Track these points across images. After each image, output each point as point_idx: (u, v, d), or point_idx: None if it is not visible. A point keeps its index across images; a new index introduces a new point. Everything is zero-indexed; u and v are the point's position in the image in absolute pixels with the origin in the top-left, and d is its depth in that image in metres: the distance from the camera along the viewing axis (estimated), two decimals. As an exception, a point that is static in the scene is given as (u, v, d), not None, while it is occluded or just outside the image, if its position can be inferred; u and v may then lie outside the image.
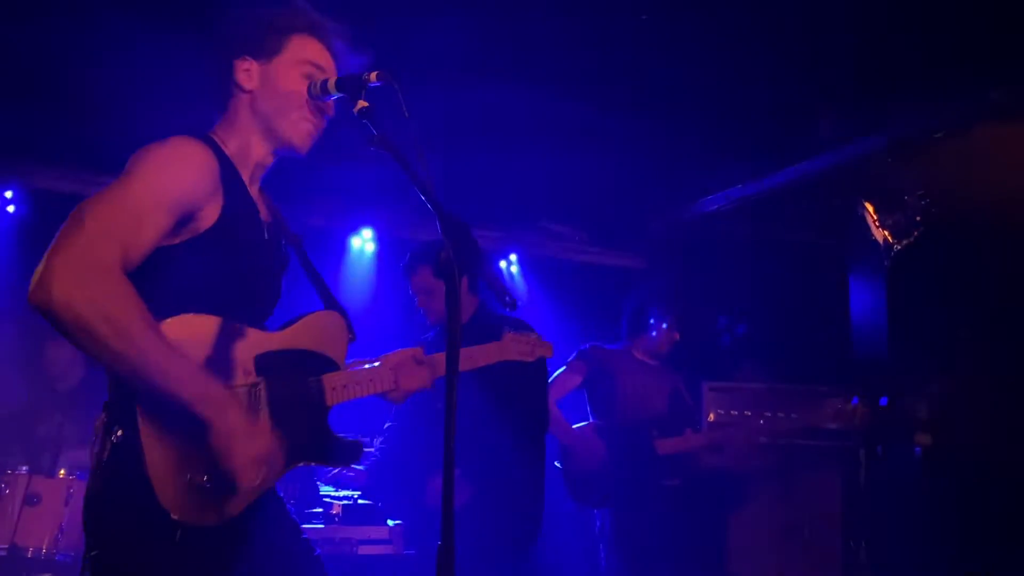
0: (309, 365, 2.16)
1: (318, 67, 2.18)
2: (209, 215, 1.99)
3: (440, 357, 2.41)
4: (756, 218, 6.44)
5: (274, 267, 2.24)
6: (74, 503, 4.27)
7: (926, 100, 4.83)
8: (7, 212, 5.46)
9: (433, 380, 2.46)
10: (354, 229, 6.25)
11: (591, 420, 4.98)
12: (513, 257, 6.81)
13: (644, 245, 7.02)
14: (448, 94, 4.71)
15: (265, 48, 2.15)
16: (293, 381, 2.10)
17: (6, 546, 4.17)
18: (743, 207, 6.26)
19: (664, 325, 4.98)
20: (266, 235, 2.19)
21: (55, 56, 4.25)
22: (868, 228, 5.55)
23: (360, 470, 4.46)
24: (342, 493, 4.38)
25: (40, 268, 1.71)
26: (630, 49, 4.53)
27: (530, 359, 2.92)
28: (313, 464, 2.21)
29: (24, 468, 4.38)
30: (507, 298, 1.94)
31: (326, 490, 4.45)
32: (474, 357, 2.71)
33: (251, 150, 2.17)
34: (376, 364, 2.37)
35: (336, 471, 4.40)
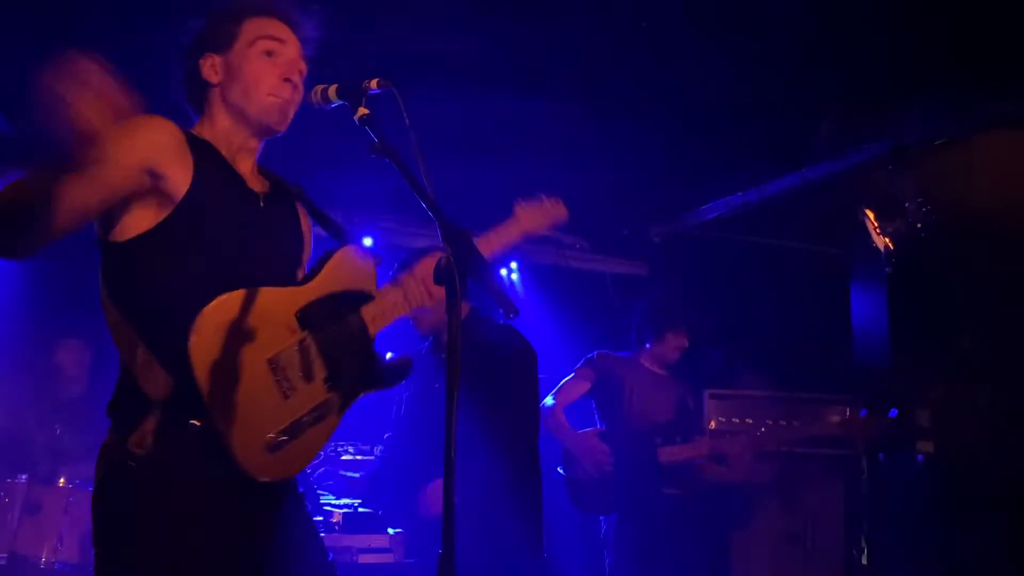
0: (346, 304, 2.21)
1: (274, 39, 2.19)
2: (179, 179, 1.99)
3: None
4: (756, 225, 6.44)
5: (277, 231, 2.24)
6: (74, 512, 4.26)
7: (926, 107, 4.83)
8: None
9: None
10: (355, 237, 6.24)
11: (598, 426, 4.96)
12: (514, 265, 6.80)
13: (645, 252, 7.02)
14: (448, 102, 4.72)
15: (222, 40, 2.18)
16: (336, 324, 2.15)
17: (5, 555, 4.17)
18: (743, 214, 6.26)
19: (673, 333, 4.96)
20: (261, 204, 2.19)
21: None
22: (869, 235, 5.54)
23: (357, 477, 4.45)
24: (342, 501, 4.36)
25: None
26: (630, 56, 4.54)
27: (544, 228, 2.87)
28: (370, 392, 2.27)
29: (23, 477, 4.37)
30: (509, 306, 1.93)
31: (326, 498, 4.43)
32: (491, 240, 2.68)
33: (231, 137, 2.19)
34: (403, 282, 2.38)
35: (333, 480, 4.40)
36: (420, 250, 3.88)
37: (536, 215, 2.85)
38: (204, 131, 2.19)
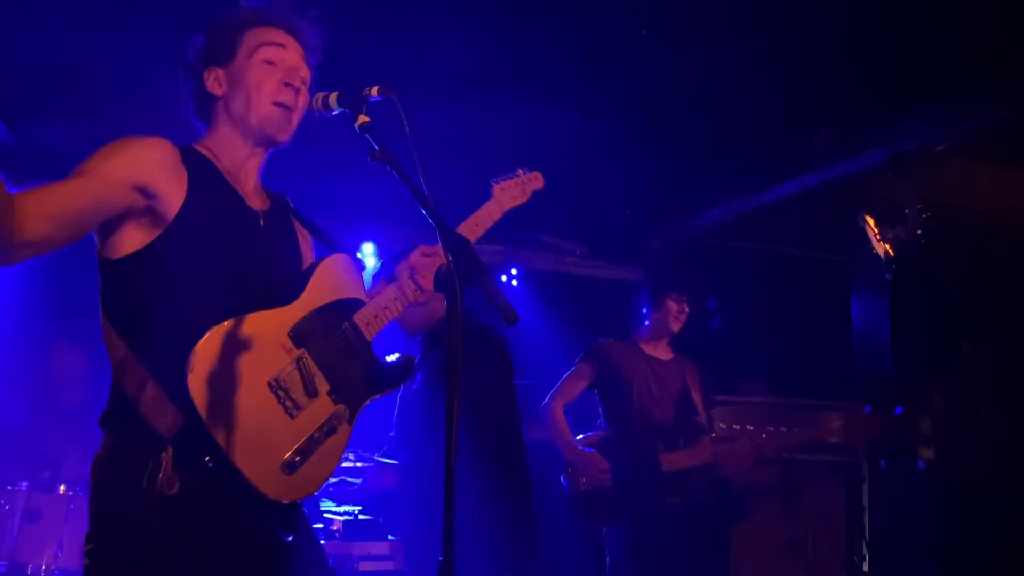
0: (337, 314, 2.21)
1: (275, 45, 2.20)
2: (171, 198, 1.99)
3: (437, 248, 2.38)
4: (757, 232, 6.45)
5: (277, 249, 2.23)
6: (74, 519, 4.25)
7: (926, 114, 4.84)
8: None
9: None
10: (355, 245, 6.26)
11: (601, 425, 4.95)
12: (514, 271, 6.81)
13: (644, 258, 7.03)
14: (449, 108, 4.72)
15: (224, 52, 2.19)
16: (330, 336, 2.16)
17: (5, 562, 4.16)
18: (743, 220, 6.26)
19: (674, 299, 4.91)
20: (261, 221, 2.19)
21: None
22: (869, 242, 5.55)
23: (357, 484, 4.45)
24: (343, 508, 4.36)
25: None
26: (630, 64, 4.55)
27: (524, 199, 2.87)
28: (378, 396, 2.28)
29: (24, 484, 4.37)
30: (508, 313, 1.93)
31: (327, 505, 4.43)
32: (476, 224, 2.69)
33: (235, 150, 2.19)
34: (393, 281, 2.39)
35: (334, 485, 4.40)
36: (404, 250, 3.86)
37: (514, 190, 2.85)
38: (209, 144, 2.19)
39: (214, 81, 2.19)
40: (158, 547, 1.90)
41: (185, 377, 1.84)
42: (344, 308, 2.22)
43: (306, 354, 2.07)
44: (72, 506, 4.28)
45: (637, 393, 4.80)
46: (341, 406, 2.11)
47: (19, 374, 5.14)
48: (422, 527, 3.64)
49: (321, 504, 4.42)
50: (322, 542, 4.05)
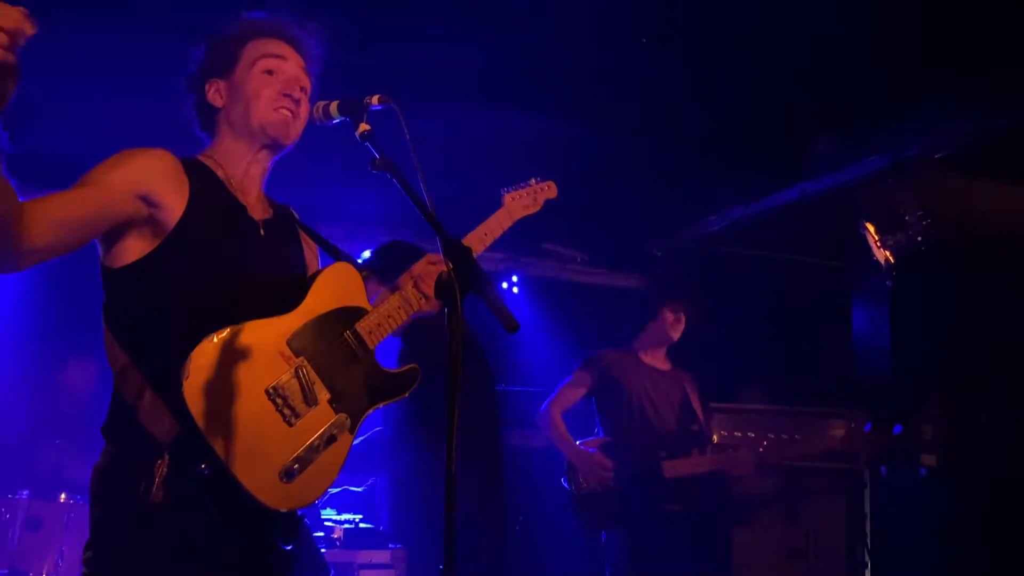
0: (339, 322, 2.20)
1: (275, 56, 2.21)
2: (172, 208, 2.00)
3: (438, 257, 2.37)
4: (757, 239, 6.45)
5: (278, 258, 2.24)
6: (75, 528, 4.25)
7: (926, 121, 4.84)
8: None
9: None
10: (356, 253, 6.25)
11: (598, 432, 4.94)
12: (515, 278, 6.81)
13: (645, 266, 7.03)
14: (451, 117, 4.74)
15: (225, 64, 2.21)
16: (331, 344, 2.15)
17: (6, 571, 4.15)
18: (744, 228, 6.26)
19: (670, 308, 4.91)
20: (262, 231, 2.19)
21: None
22: (869, 249, 5.55)
23: (359, 491, 4.44)
24: (343, 517, 4.36)
25: None
26: (630, 71, 4.55)
27: (536, 208, 2.85)
28: (380, 406, 2.26)
29: (25, 492, 4.36)
30: (509, 321, 1.93)
31: (327, 513, 4.43)
32: (484, 232, 2.66)
33: (238, 158, 2.20)
34: (398, 290, 2.37)
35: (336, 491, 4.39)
36: (392, 243, 3.84)
37: (525, 199, 2.83)
38: (212, 154, 2.20)
39: (215, 92, 2.21)
40: (155, 556, 1.90)
41: (181, 384, 1.85)
42: (346, 317, 2.22)
43: (305, 362, 2.07)
44: (73, 514, 4.28)
45: (637, 402, 4.80)
46: (342, 415, 2.11)
47: (21, 383, 5.14)
48: (421, 532, 3.64)
49: (322, 512, 4.41)
50: (323, 550, 4.05)
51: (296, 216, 2.39)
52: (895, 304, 5.84)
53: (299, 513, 2.21)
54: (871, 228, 5.54)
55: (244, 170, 2.21)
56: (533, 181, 2.88)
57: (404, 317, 2.33)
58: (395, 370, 2.29)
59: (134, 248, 1.99)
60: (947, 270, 5.51)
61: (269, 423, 1.97)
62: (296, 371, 2.04)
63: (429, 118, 4.28)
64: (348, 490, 4.54)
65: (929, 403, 5.62)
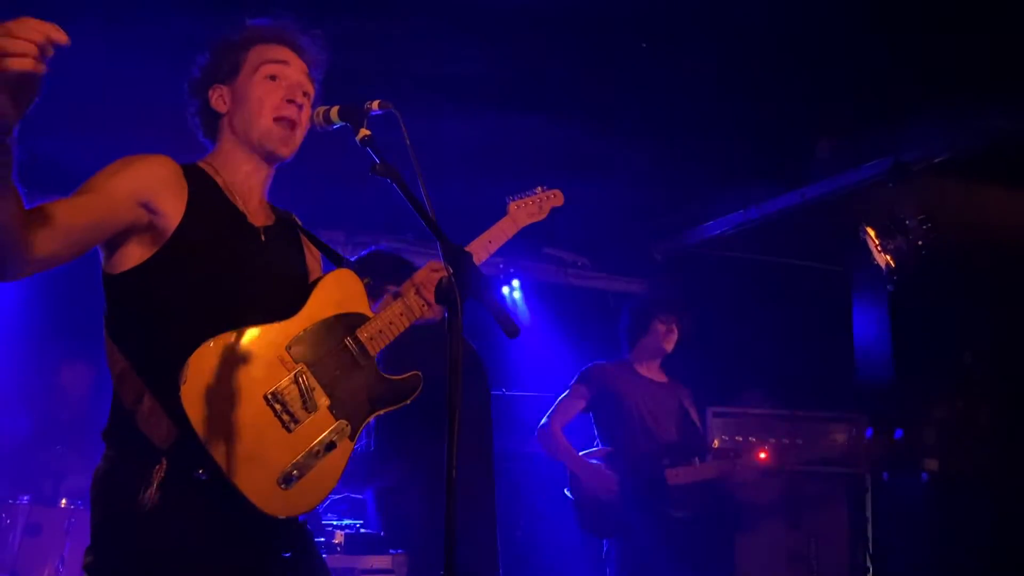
0: (340, 328, 2.19)
1: (278, 62, 2.22)
2: (171, 215, 2.00)
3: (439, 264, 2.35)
4: (758, 243, 6.45)
5: (278, 265, 2.23)
6: (75, 533, 4.24)
7: (927, 125, 4.84)
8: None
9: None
10: (351, 262, 6.25)
11: (598, 443, 4.94)
12: (516, 283, 6.81)
13: (647, 270, 7.03)
14: (453, 122, 4.74)
15: (228, 70, 2.22)
16: (331, 351, 2.14)
17: (6, 577, 4.15)
18: (745, 232, 6.27)
19: (661, 321, 4.90)
20: (262, 237, 2.19)
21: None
22: (870, 253, 5.55)
23: (360, 498, 4.43)
24: (344, 522, 4.35)
25: None
26: (631, 76, 4.56)
27: (542, 216, 2.84)
28: (381, 412, 2.25)
29: (25, 498, 4.36)
30: (509, 326, 1.93)
31: (328, 519, 4.42)
32: (489, 240, 2.67)
33: (239, 166, 2.20)
34: (400, 297, 2.36)
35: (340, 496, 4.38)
36: (375, 258, 3.83)
37: (531, 207, 2.82)
38: (213, 160, 2.20)
39: (218, 98, 2.21)
40: (153, 562, 1.90)
41: (178, 389, 1.84)
42: (347, 323, 2.21)
43: (305, 368, 2.06)
44: (73, 520, 4.27)
45: (637, 413, 4.79)
46: (342, 421, 2.10)
47: (21, 388, 5.14)
48: (422, 538, 3.63)
49: (323, 517, 4.40)
50: (323, 556, 4.03)
51: (299, 223, 2.39)
52: (896, 308, 5.84)
53: (301, 520, 2.21)
54: (872, 232, 5.55)
55: (244, 177, 2.21)
56: (539, 189, 2.86)
57: (406, 324, 2.32)
58: (397, 377, 2.28)
59: (133, 254, 1.99)
60: (948, 274, 5.51)
61: (268, 429, 1.96)
62: (295, 377, 2.04)
63: (429, 122, 4.29)
64: (349, 496, 4.53)
65: (930, 407, 5.61)
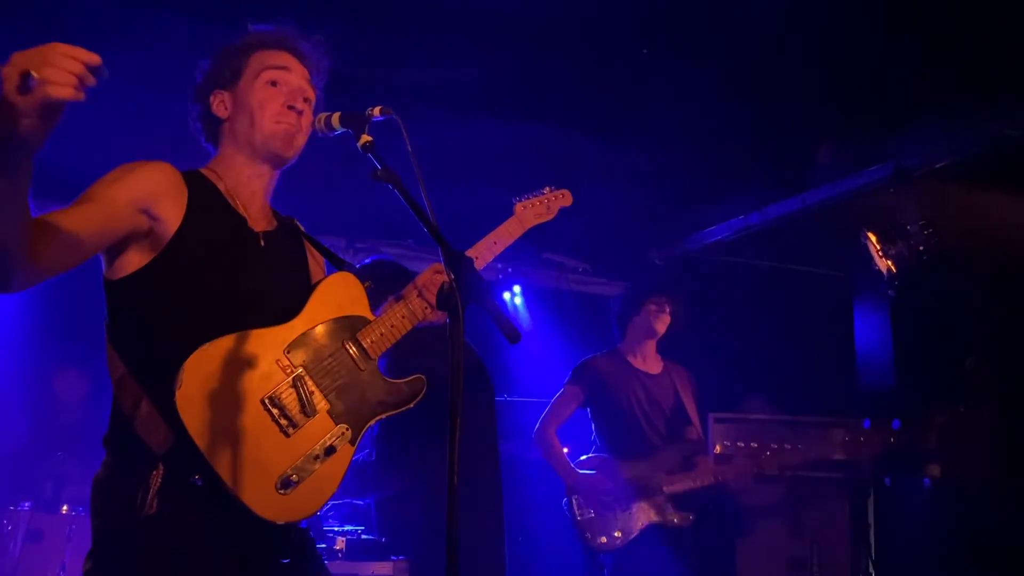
0: (340, 331, 2.18)
1: (279, 68, 2.23)
2: (170, 220, 2.01)
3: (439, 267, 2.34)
4: (759, 248, 6.45)
5: (278, 270, 2.22)
6: (76, 540, 4.24)
7: (928, 130, 4.84)
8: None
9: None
10: (352, 267, 6.25)
11: (594, 439, 4.92)
12: (517, 288, 6.81)
13: (647, 275, 7.02)
14: (453, 128, 4.74)
15: (230, 75, 2.23)
16: (331, 354, 2.13)
17: (7, 583, 4.14)
18: (746, 237, 6.27)
19: (653, 302, 4.87)
20: (262, 242, 2.19)
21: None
22: (871, 258, 5.54)
23: (361, 504, 4.42)
24: (346, 528, 4.34)
25: None
26: (631, 82, 4.56)
27: (550, 216, 2.82)
28: (383, 417, 2.22)
29: (26, 504, 4.35)
30: (510, 331, 1.92)
31: (329, 525, 4.41)
32: (494, 241, 2.64)
33: (241, 170, 2.21)
34: (402, 299, 2.35)
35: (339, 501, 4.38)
36: (378, 267, 3.83)
37: (538, 208, 2.81)
38: (214, 166, 2.21)
39: (220, 104, 2.22)
40: (152, 568, 1.89)
41: (174, 393, 1.84)
42: (347, 326, 2.21)
43: (304, 372, 2.05)
44: (74, 526, 4.27)
45: (631, 416, 4.77)
46: (343, 426, 2.09)
47: (22, 395, 5.14)
48: (424, 545, 3.62)
49: (324, 523, 4.40)
50: (325, 562, 4.03)
51: (302, 229, 2.39)
52: (897, 313, 5.83)
53: (304, 526, 2.20)
54: (873, 237, 5.54)
55: (246, 182, 2.21)
56: (547, 189, 2.85)
57: (409, 326, 2.31)
58: (400, 380, 2.26)
59: (133, 260, 2.00)
60: (949, 279, 5.51)
61: (265, 433, 1.95)
62: (294, 381, 2.03)
63: (429, 128, 4.29)
64: (350, 502, 4.52)
65: (932, 412, 5.60)
